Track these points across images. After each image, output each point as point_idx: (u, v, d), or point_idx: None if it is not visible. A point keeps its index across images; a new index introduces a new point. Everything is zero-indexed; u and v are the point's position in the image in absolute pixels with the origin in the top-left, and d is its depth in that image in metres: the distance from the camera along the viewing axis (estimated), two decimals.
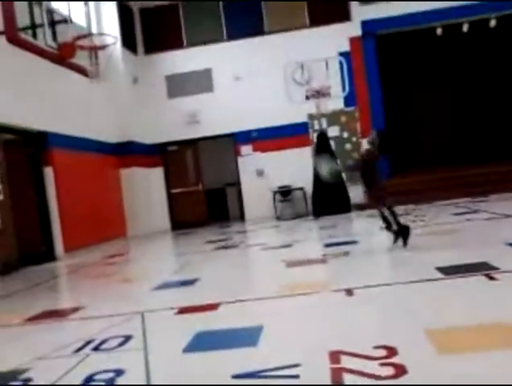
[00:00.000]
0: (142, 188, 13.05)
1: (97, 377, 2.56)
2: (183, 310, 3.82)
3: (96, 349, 3.04)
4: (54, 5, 9.77)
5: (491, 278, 3.58)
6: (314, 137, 12.86)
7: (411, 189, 11.67)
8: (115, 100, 12.54)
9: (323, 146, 11.89)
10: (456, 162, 13.93)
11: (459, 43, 14.39)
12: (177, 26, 13.89)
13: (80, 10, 12.07)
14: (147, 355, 2.82)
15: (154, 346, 2.98)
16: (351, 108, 13.12)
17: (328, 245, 6.63)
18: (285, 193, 13.05)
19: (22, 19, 9.14)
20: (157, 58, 13.90)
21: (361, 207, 11.17)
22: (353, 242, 6.38)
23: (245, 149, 13.50)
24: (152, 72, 13.77)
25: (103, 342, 3.16)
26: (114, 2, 12.79)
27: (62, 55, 9.19)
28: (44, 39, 8.82)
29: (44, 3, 8.90)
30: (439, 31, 13.09)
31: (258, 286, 4.94)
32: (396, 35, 13.32)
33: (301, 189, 12.86)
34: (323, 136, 12.20)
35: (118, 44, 12.11)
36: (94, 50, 10.64)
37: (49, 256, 9.18)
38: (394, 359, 2.28)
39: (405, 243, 5.25)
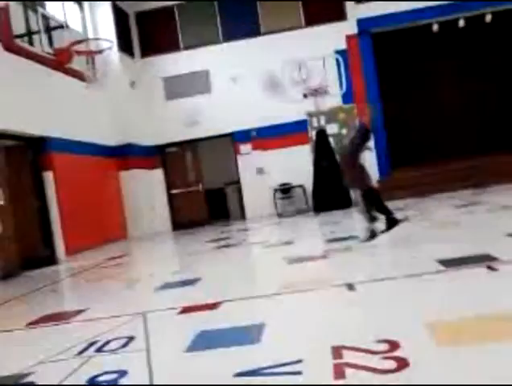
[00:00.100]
0: (143, 190, 13.07)
1: (100, 379, 2.57)
2: (185, 310, 3.83)
3: (99, 350, 3.05)
4: (50, 11, 9.77)
5: (492, 269, 3.58)
6: (313, 134, 12.87)
7: (410, 183, 11.72)
8: (113, 103, 12.54)
9: (322, 144, 11.91)
10: (453, 155, 13.92)
11: (455, 39, 14.38)
12: (173, 29, 13.90)
13: (76, 15, 12.10)
14: (150, 355, 2.82)
15: (156, 346, 2.98)
16: (349, 105, 13.11)
17: (329, 241, 6.64)
18: (285, 190, 13.09)
19: (18, 26, 9.17)
20: (154, 61, 13.91)
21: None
22: (354, 237, 6.38)
23: (245, 148, 13.52)
24: (149, 75, 13.78)
25: (106, 343, 3.17)
26: (110, 7, 12.79)
27: (59, 61, 9.21)
28: (41, 46, 8.83)
29: (40, 10, 8.90)
30: (435, 28, 13.08)
31: (259, 284, 4.95)
32: (392, 33, 13.32)
33: (301, 186, 12.88)
34: (322, 133, 12.23)
35: (115, 48, 12.11)
36: (91, 54, 10.67)
37: (51, 259, 9.20)
38: (396, 353, 2.29)
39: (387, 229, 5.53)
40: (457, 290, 3.29)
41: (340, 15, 13.15)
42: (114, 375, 2.57)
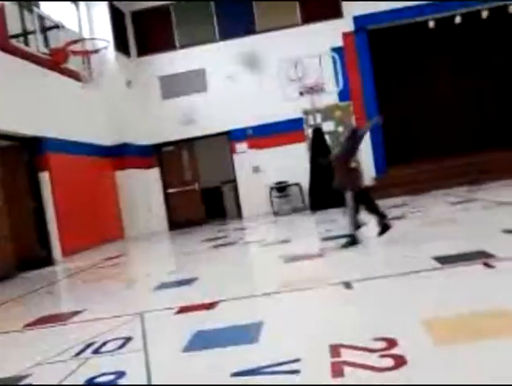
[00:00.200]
0: (139, 189, 13.04)
1: (97, 380, 2.57)
2: (182, 310, 3.83)
3: (96, 352, 3.05)
4: (45, 11, 9.73)
5: (488, 266, 3.59)
6: (309, 132, 12.87)
7: (406, 180, 11.75)
8: (109, 102, 12.51)
9: (318, 141, 11.91)
10: (450, 152, 13.93)
11: (452, 36, 14.39)
12: (169, 28, 13.87)
13: (72, 15, 12.06)
14: (147, 355, 2.82)
15: (154, 346, 2.98)
16: (345, 103, 13.12)
17: (325, 239, 6.64)
18: (281, 189, 13.09)
19: (14, 26, 9.14)
20: (150, 60, 13.88)
21: None
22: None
23: (241, 146, 13.50)
24: (146, 74, 13.75)
25: (103, 344, 3.17)
26: (106, 6, 12.75)
27: (55, 61, 9.19)
28: (36, 46, 8.80)
29: (35, 10, 8.87)
30: (431, 24, 13.09)
31: (256, 283, 4.95)
32: (388, 29, 13.34)
33: (297, 184, 12.88)
34: (318, 131, 12.24)
35: (111, 47, 12.10)
36: (87, 54, 10.64)
37: (47, 260, 9.17)
38: (393, 351, 2.29)
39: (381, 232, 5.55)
40: (453, 287, 3.29)
41: (336, 13, 13.15)
42: (112, 377, 2.57)
